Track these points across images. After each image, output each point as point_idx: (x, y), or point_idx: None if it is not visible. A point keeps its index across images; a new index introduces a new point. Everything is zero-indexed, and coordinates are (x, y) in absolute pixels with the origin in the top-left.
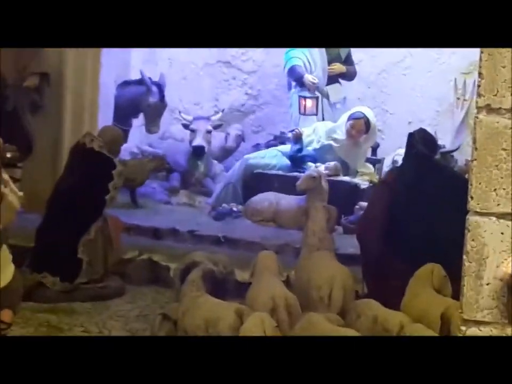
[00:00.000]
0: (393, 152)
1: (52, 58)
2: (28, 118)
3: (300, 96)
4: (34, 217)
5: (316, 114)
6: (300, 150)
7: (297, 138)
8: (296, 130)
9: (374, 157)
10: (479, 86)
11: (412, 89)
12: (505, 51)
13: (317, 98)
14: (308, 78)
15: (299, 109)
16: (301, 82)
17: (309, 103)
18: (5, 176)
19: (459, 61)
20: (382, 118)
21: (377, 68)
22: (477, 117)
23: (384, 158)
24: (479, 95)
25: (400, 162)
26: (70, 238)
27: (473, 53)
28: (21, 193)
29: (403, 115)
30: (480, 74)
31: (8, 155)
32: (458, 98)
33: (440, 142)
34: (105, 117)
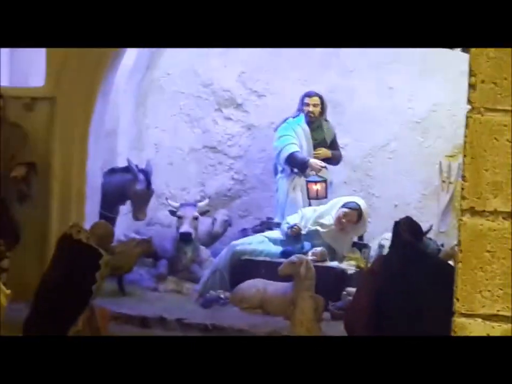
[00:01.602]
0: (380, 236)
1: (39, 148)
2: (15, 207)
3: (308, 181)
4: (21, 307)
5: (326, 197)
6: (301, 249)
7: (297, 235)
8: (296, 227)
9: (360, 241)
10: (462, 189)
11: (397, 172)
12: (488, 154)
13: (325, 181)
14: (315, 162)
15: (308, 194)
16: (303, 168)
17: (320, 186)
18: None
19: (443, 144)
20: (368, 202)
21: (363, 151)
22: (461, 220)
23: (370, 245)
24: (462, 197)
25: (386, 246)
26: (58, 330)
27: (457, 137)
28: (8, 291)
29: (389, 198)
30: (463, 177)
31: None
32: (443, 181)
33: (427, 225)
34: (92, 205)
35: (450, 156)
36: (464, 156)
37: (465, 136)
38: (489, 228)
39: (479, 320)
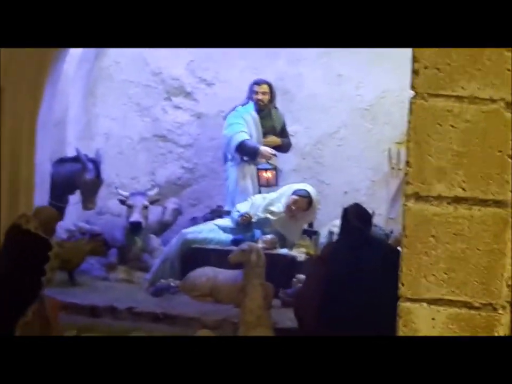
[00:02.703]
0: (330, 223)
1: None
2: None
3: (259, 169)
4: None
5: (276, 185)
6: (252, 237)
7: (247, 224)
8: (246, 215)
9: (310, 229)
10: (406, 174)
11: (346, 159)
12: (432, 140)
13: (275, 168)
14: (266, 149)
15: (259, 181)
16: (253, 156)
17: (270, 174)
18: None
19: (392, 131)
20: (318, 189)
21: (312, 139)
22: (405, 205)
23: (319, 232)
24: (407, 183)
25: (336, 233)
26: (7, 321)
27: (406, 123)
28: None
29: (339, 185)
30: (407, 162)
31: None
32: (392, 168)
33: (376, 211)
34: (41, 195)
35: (399, 143)
36: (408, 141)
37: (409, 122)
38: (434, 213)
39: (425, 304)
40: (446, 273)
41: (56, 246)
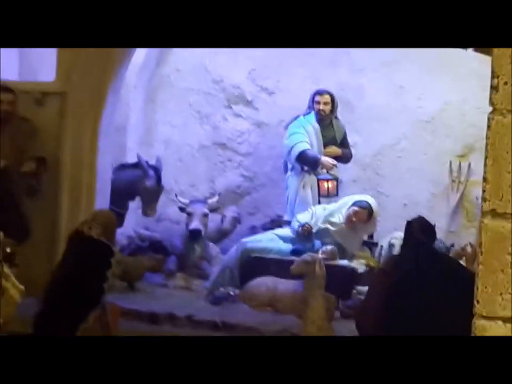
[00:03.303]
0: (390, 235)
1: (49, 143)
2: (25, 203)
3: (319, 179)
4: (30, 302)
5: (337, 196)
6: (312, 247)
7: (308, 234)
8: (307, 225)
9: (370, 240)
10: (484, 191)
11: (406, 171)
12: (510, 156)
13: (337, 179)
14: (326, 160)
15: (319, 191)
16: (314, 166)
17: (331, 184)
18: (6, 270)
19: (453, 144)
20: (377, 200)
21: (372, 150)
22: (482, 222)
23: (380, 243)
24: (484, 199)
25: (396, 245)
26: (68, 327)
27: (467, 136)
28: (22, 287)
29: (398, 197)
30: (485, 179)
31: (8, 250)
32: (453, 181)
33: (436, 224)
34: (102, 201)
35: (460, 156)
36: (486, 157)
37: (487, 138)
38: (511, 230)
39: (500, 322)
40: None
41: (118, 253)
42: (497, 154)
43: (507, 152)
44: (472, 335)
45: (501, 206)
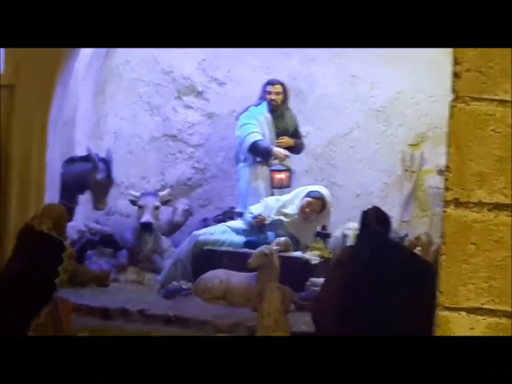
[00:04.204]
0: (343, 226)
1: None
2: None
3: (272, 170)
4: None
5: (290, 187)
6: (265, 239)
7: (261, 226)
8: (260, 217)
9: (324, 231)
10: (446, 180)
11: (359, 161)
12: (473, 145)
13: (289, 170)
14: (279, 150)
15: (272, 183)
16: (266, 157)
17: (283, 175)
18: None
19: (406, 133)
20: (330, 191)
21: (325, 140)
22: (445, 211)
23: (333, 234)
24: (446, 188)
25: (350, 236)
26: (19, 323)
27: (420, 125)
28: None
29: (351, 188)
30: (447, 168)
31: None
32: (406, 170)
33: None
34: (51, 195)
35: (413, 145)
36: (449, 146)
37: (450, 126)
38: (474, 220)
39: (464, 313)
40: (486, 282)
41: (70, 247)
42: (459, 143)
43: (469, 140)
44: (435, 326)
45: (463, 195)
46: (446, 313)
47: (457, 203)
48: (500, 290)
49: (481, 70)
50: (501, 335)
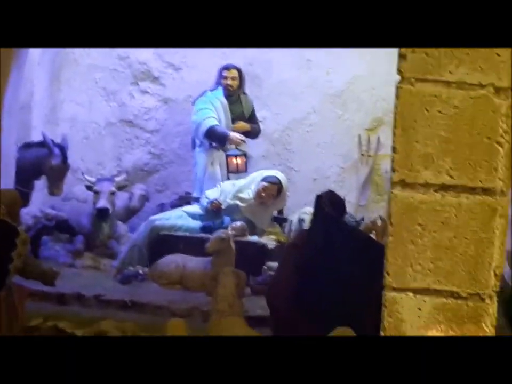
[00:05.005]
0: (300, 210)
1: None
2: None
3: (228, 155)
4: None
5: (246, 171)
6: (221, 224)
7: (217, 211)
8: (216, 202)
9: (280, 216)
10: (393, 161)
11: (316, 146)
12: (419, 126)
13: (245, 155)
14: (235, 135)
15: (228, 167)
16: (222, 142)
17: (240, 160)
18: None
19: (362, 117)
20: (287, 176)
21: (281, 125)
22: (392, 192)
23: (290, 219)
24: (393, 169)
25: (306, 220)
26: None
27: (376, 110)
28: None
29: (308, 172)
30: (394, 149)
31: None
32: (362, 155)
33: (346, 198)
34: (6, 180)
35: (370, 129)
36: (395, 127)
37: (396, 107)
38: (420, 201)
39: (410, 294)
40: (432, 263)
41: (23, 233)
42: (406, 124)
43: (415, 121)
44: (382, 307)
45: (410, 176)
46: (393, 294)
47: (404, 184)
48: (446, 271)
49: (427, 51)
50: (448, 315)
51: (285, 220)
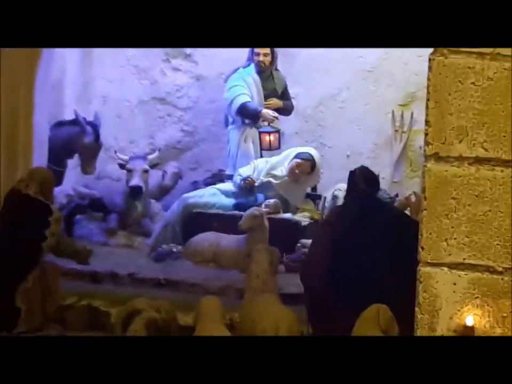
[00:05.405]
0: (333, 187)
1: None
2: None
3: (261, 132)
4: None
5: (279, 148)
6: (254, 201)
7: (250, 188)
8: (249, 179)
9: (314, 193)
10: (426, 134)
11: (349, 122)
12: (452, 98)
13: (278, 131)
14: (268, 112)
15: (261, 145)
16: (255, 118)
17: (273, 137)
18: None
19: (395, 93)
20: (320, 152)
21: (314, 101)
22: (425, 166)
23: (324, 196)
24: (427, 143)
25: (340, 197)
26: (7, 287)
27: (409, 85)
28: None
29: (341, 148)
30: (427, 122)
31: None
32: (396, 131)
33: (379, 175)
34: (39, 159)
35: (403, 105)
36: (428, 100)
37: (428, 80)
38: (454, 174)
39: (445, 269)
40: (467, 237)
41: (57, 211)
42: (439, 97)
43: (449, 94)
44: (417, 282)
45: (444, 150)
46: (428, 269)
47: (438, 157)
48: (481, 245)
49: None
50: (483, 290)
51: (319, 196)
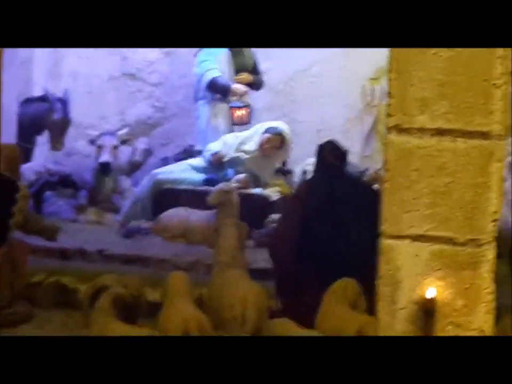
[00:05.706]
0: (303, 162)
1: None
2: None
3: (231, 107)
4: None
5: (250, 123)
6: (224, 176)
7: (220, 163)
8: (219, 154)
9: (284, 168)
10: (389, 105)
11: (320, 97)
12: (413, 69)
13: (248, 106)
14: (238, 86)
15: (232, 119)
16: (225, 93)
17: (243, 112)
18: None
19: (366, 67)
20: (291, 127)
21: (285, 76)
22: (387, 138)
23: (293, 171)
24: (389, 115)
25: (310, 172)
26: None
27: (380, 58)
28: None
29: (312, 123)
30: (389, 93)
31: None
32: (367, 105)
33: (350, 149)
34: (8, 136)
35: (374, 79)
36: (390, 71)
37: (390, 50)
38: (416, 146)
39: (407, 241)
40: (429, 208)
41: (24, 189)
42: (400, 68)
43: (410, 65)
44: (379, 255)
45: (405, 121)
46: (390, 241)
47: (400, 129)
48: (443, 217)
49: None
50: (445, 262)
51: (289, 171)
